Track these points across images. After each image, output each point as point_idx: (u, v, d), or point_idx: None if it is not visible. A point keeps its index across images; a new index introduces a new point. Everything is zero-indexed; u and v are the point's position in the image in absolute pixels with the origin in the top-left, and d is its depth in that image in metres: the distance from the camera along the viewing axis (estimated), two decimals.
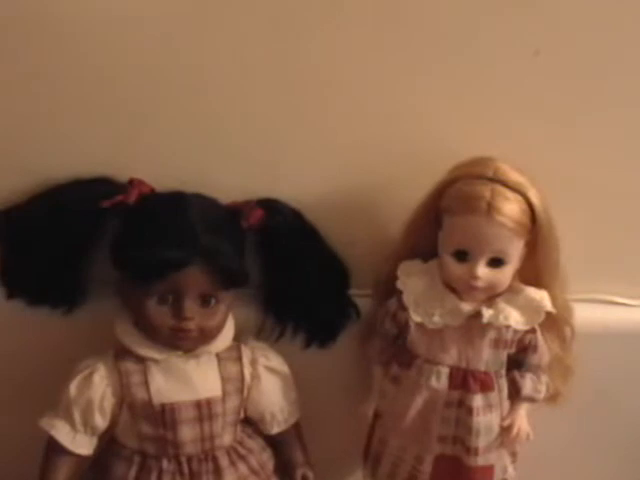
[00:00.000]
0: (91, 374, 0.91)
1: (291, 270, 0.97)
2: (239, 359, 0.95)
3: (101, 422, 0.92)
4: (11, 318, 0.99)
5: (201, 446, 0.93)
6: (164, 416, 0.91)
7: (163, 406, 0.91)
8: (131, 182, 0.94)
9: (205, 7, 0.91)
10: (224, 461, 0.94)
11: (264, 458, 0.98)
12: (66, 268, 0.96)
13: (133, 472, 0.93)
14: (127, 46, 0.92)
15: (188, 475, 0.93)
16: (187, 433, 0.92)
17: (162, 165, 0.97)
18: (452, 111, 0.97)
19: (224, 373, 0.94)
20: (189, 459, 0.93)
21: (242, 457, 0.96)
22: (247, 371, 0.95)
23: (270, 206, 0.96)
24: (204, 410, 0.92)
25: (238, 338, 0.97)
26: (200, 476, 0.93)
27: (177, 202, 0.92)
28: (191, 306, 0.88)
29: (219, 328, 0.92)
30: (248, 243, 0.95)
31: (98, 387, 0.91)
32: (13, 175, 0.96)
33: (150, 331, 0.90)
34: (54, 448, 0.92)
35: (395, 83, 0.96)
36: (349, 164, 1.00)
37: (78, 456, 0.92)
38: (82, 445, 0.92)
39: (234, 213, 0.94)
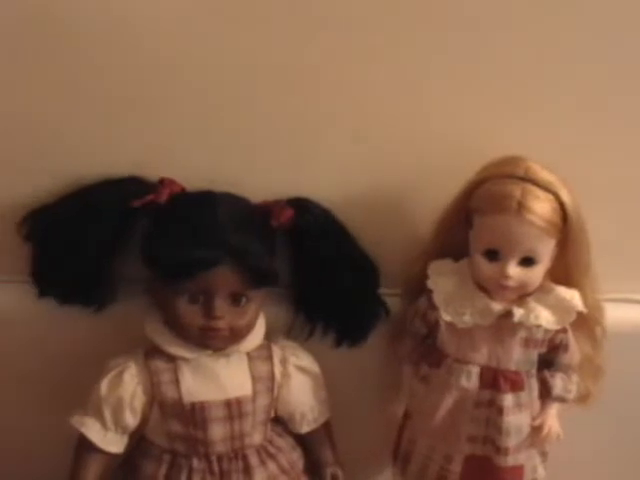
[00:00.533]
0: (121, 372, 0.92)
1: (321, 269, 0.97)
2: (269, 358, 0.95)
3: (132, 420, 0.92)
4: (42, 317, 1.00)
5: (231, 445, 0.93)
6: (194, 415, 0.91)
7: (193, 405, 0.91)
8: (162, 181, 0.94)
9: (238, 6, 0.91)
10: (254, 460, 0.94)
11: (294, 457, 0.98)
12: (96, 267, 0.96)
13: (163, 471, 0.93)
14: (156, 45, 0.92)
15: (218, 474, 0.93)
16: (217, 432, 0.92)
17: (192, 165, 0.97)
18: (482, 110, 0.97)
19: (254, 372, 0.94)
20: (219, 458, 0.93)
21: (272, 456, 0.96)
22: (277, 370, 0.95)
23: (300, 205, 0.96)
24: (234, 409, 0.92)
25: (268, 337, 0.97)
26: (230, 475, 0.93)
27: (207, 201, 0.92)
28: (221, 305, 0.89)
29: (249, 327, 0.92)
30: (278, 242, 0.95)
31: (129, 385, 0.91)
32: (44, 175, 0.97)
33: (180, 330, 0.90)
34: (85, 446, 0.92)
35: (425, 82, 0.96)
36: (378, 164, 1.00)
37: (108, 454, 0.93)
38: (113, 443, 0.92)
39: (264, 212, 0.94)
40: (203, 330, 0.89)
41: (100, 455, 0.92)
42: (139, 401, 0.92)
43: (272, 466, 0.95)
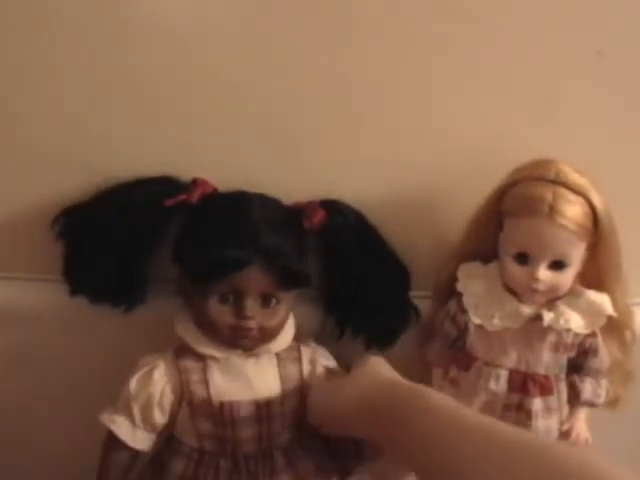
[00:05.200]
0: (151, 371, 0.92)
1: (352, 271, 0.97)
2: (299, 360, 0.96)
3: (160, 418, 0.92)
4: (74, 316, 1.00)
5: (259, 445, 0.93)
6: (223, 414, 0.91)
7: (222, 404, 0.91)
8: (195, 182, 0.95)
9: (270, 10, 0.92)
10: (281, 461, 0.94)
11: (323, 460, 0.97)
12: (128, 266, 0.97)
13: (191, 469, 0.93)
14: (190, 46, 0.93)
15: (245, 474, 0.93)
16: (245, 432, 0.92)
17: (225, 166, 0.97)
18: (514, 113, 0.97)
19: (283, 373, 0.94)
20: (246, 458, 0.93)
21: (300, 458, 0.96)
22: (306, 370, 0.95)
23: (332, 207, 0.96)
24: (263, 409, 0.92)
25: (298, 338, 0.97)
26: (257, 475, 0.93)
27: (239, 202, 0.92)
28: (252, 305, 0.89)
29: (279, 328, 0.92)
30: (310, 243, 0.95)
31: (158, 384, 0.91)
32: (77, 175, 0.97)
33: (210, 330, 0.90)
34: (113, 443, 0.92)
35: (458, 85, 0.96)
36: (410, 166, 1.00)
37: (137, 452, 0.93)
38: (141, 441, 0.92)
39: (296, 214, 0.94)
40: (233, 330, 0.89)
41: (128, 452, 0.93)
42: (168, 399, 0.92)
43: (300, 468, 0.95)
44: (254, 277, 0.87)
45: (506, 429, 0.69)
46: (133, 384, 0.92)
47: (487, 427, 0.69)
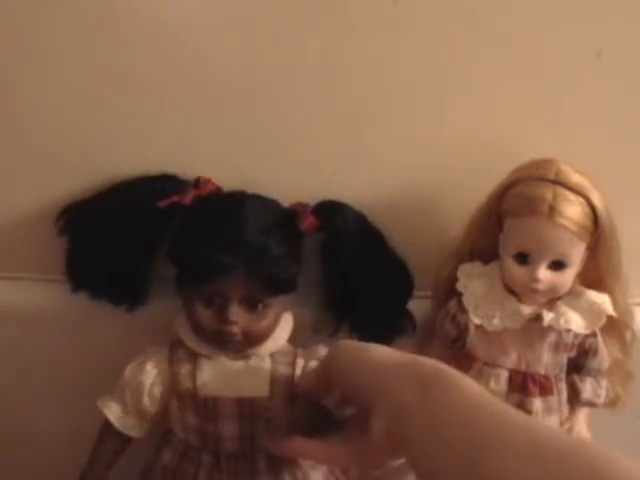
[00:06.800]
0: (145, 361, 0.93)
1: (352, 273, 0.96)
2: (293, 364, 0.94)
3: (150, 407, 0.92)
4: (75, 316, 1.01)
5: (241, 445, 0.92)
6: (207, 408, 0.91)
7: (206, 398, 0.91)
8: (197, 181, 0.95)
9: (271, 9, 0.92)
10: (263, 464, 0.92)
11: (308, 466, 0.95)
12: (131, 265, 0.97)
13: (175, 460, 0.93)
14: (196, 47, 0.93)
15: (226, 472, 0.92)
16: (227, 429, 0.91)
17: (228, 165, 0.97)
18: (514, 112, 0.97)
19: (275, 375, 0.93)
20: (228, 456, 0.92)
21: (283, 464, 0.93)
22: (299, 369, 0.94)
23: (331, 209, 0.95)
24: (245, 409, 0.91)
25: (297, 339, 0.96)
26: (237, 475, 0.92)
27: (232, 204, 0.91)
28: (236, 310, 0.88)
29: (267, 332, 0.91)
30: (311, 243, 0.94)
31: (149, 374, 0.92)
32: (80, 174, 0.97)
33: (198, 331, 0.90)
34: (106, 428, 0.94)
35: (457, 85, 0.96)
36: (410, 165, 1.00)
37: (127, 437, 0.94)
38: (131, 427, 0.93)
39: (291, 216, 0.93)
40: (217, 333, 0.89)
41: (118, 437, 0.94)
42: (158, 389, 0.92)
43: (282, 474, 0.93)
44: (239, 282, 0.86)
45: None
46: (127, 373, 0.93)
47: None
